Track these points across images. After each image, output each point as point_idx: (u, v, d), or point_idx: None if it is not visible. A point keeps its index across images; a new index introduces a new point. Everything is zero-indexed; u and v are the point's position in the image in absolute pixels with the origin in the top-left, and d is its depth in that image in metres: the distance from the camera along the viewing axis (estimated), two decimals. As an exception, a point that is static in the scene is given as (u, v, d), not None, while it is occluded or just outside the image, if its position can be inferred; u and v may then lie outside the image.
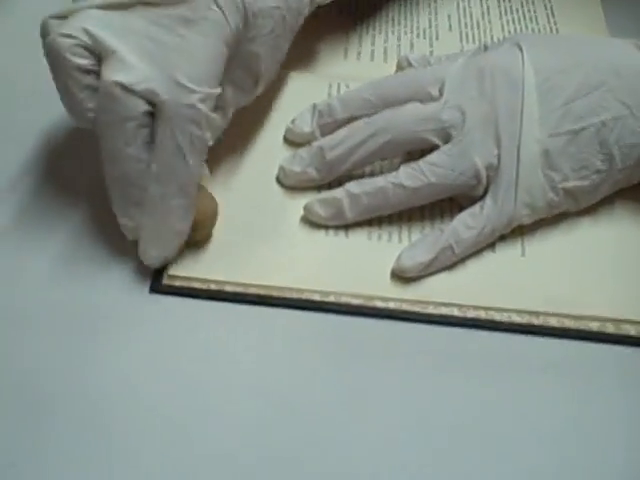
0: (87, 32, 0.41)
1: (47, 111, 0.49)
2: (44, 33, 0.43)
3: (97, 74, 0.41)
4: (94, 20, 0.41)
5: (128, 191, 0.43)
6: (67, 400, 0.40)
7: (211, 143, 0.43)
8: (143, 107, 0.41)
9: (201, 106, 0.41)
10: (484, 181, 0.47)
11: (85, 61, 0.41)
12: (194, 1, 0.42)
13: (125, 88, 0.40)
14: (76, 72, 0.41)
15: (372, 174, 0.49)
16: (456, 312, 0.45)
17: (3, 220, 0.47)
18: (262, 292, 0.44)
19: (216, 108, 0.43)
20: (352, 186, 0.47)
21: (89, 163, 0.46)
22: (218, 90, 0.43)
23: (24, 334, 0.43)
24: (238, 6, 0.43)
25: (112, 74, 0.41)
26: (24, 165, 0.50)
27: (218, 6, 0.42)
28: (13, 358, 0.42)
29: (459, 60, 0.50)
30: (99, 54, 0.41)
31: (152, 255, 0.44)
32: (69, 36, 0.41)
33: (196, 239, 0.45)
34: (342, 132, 0.48)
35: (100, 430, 0.39)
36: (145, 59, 0.41)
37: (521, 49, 0.49)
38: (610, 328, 0.45)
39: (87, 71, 0.42)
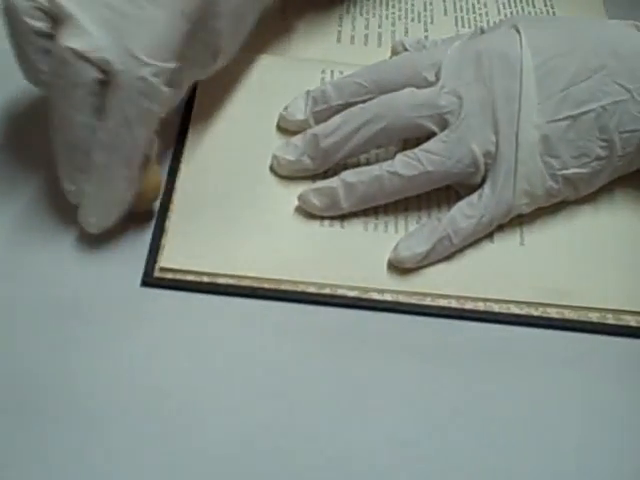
0: None
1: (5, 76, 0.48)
2: None
3: (53, 37, 0.41)
4: None
5: (73, 157, 0.43)
6: (56, 397, 0.40)
7: (162, 116, 0.44)
8: (95, 75, 0.41)
9: (153, 79, 0.41)
10: (482, 169, 0.46)
11: (42, 24, 0.42)
12: None
13: (78, 54, 0.40)
14: (32, 35, 0.42)
15: (368, 163, 0.49)
16: (454, 304, 0.45)
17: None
18: (255, 284, 0.44)
19: (172, 82, 0.43)
20: (347, 175, 0.46)
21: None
22: (173, 64, 0.43)
23: (7, 328, 0.42)
24: None
25: (67, 39, 0.41)
26: None
27: None
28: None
29: (455, 44, 0.49)
30: (56, 18, 0.41)
31: (91, 222, 0.44)
32: None
33: (137, 211, 0.45)
34: (337, 119, 0.48)
35: (90, 428, 0.39)
36: (102, 27, 0.41)
37: (519, 31, 0.48)
38: (610, 319, 0.45)
39: (43, 34, 0.42)
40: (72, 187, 0.44)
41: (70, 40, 0.40)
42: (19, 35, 0.42)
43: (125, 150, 0.42)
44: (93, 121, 0.42)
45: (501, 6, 0.64)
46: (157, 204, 0.47)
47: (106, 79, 0.41)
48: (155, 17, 0.42)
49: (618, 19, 0.57)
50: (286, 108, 0.51)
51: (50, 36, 0.42)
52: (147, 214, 0.46)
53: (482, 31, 0.52)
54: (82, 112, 0.42)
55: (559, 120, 0.46)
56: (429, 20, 0.62)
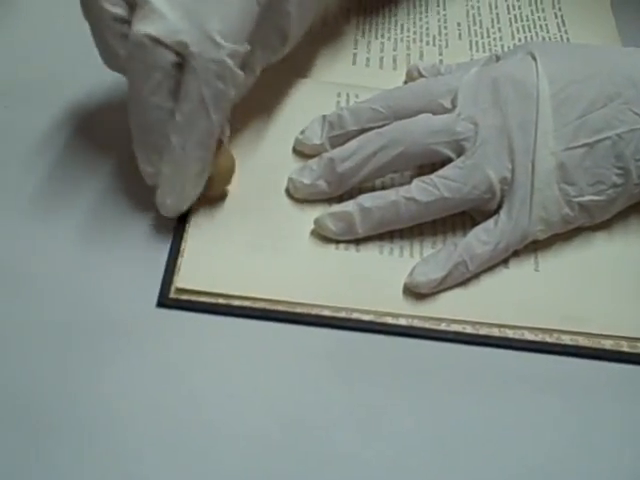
0: None
1: (80, 63, 0.51)
2: None
3: (130, 23, 0.42)
4: None
5: (150, 139, 0.44)
6: (69, 417, 0.39)
7: (236, 100, 0.45)
8: (171, 58, 0.42)
9: (229, 62, 0.42)
10: (498, 195, 0.46)
11: (119, 10, 0.43)
12: None
13: (154, 40, 0.41)
14: (110, 21, 0.43)
15: (383, 187, 0.49)
16: (469, 329, 0.44)
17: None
18: (270, 307, 0.44)
19: (244, 65, 0.44)
20: (364, 200, 0.46)
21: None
22: (247, 47, 0.43)
23: (22, 346, 0.42)
24: None
25: (143, 25, 0.41)
26: (56, 122, 0.52)
27: None
28: (11, 371, 0.41)
29: (471, 70, 0.49)
30: (132, 2, 0.42)
31: (167, 204, 0.45)
32: None
33: (211, 194, 0.47)
34: (353, 144, 0.48)
35: (104, 446, 0.39)
36: (177, 10, 0.42)
37: (535, 58, 0.49)
38: (625, 347, 0.45)
39: (121, 19, 0.43)
40: (149, 169, 0.45)
41: (146, 25, 0.41)
42: (97, 21, 0.43)
43: (200, 132, 0.43)
44: (170, 103, 0.43)
45: (515, 31, 0.64)
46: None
47: (182, 62, 0.42)
48: (230, 0, 0.43)
49: (632, 44, 0.58)
50: (303, 132, 0.51)
51: (127, 21, 0.43)
52: (220, 196, 0.48)
53: (497, 58, 0.52)
54: (159, 95, 0.43)
55: (575, 147, 0.46)
56: (444, 44, 0.62)
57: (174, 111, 0.43)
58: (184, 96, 0.42)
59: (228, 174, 0.47)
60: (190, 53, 0.41)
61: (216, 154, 0.45)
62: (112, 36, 0.43)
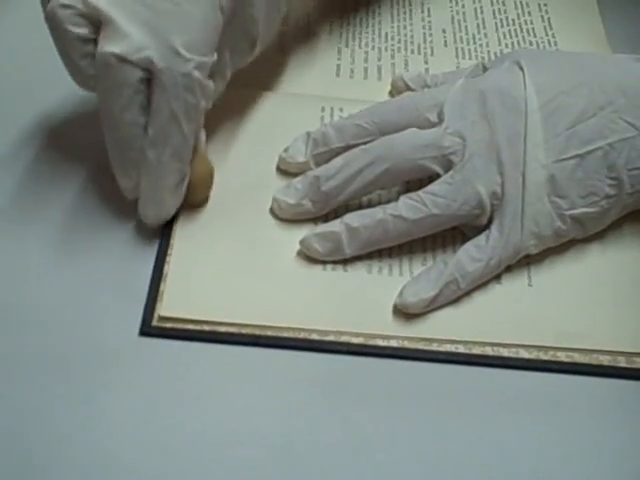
0: (85, 1, 0.43)
1: (51, 76, 0.50)
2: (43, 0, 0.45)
3: (96, 42, 0.44)
4: None
5: (126, 154, 0.45)
6: (55, 455, 0.39)
7: (208, 107, 0.46)
8: (139, 74, 0.43)
9: (196, 74, 0.43)
10: (488, 210, 0.46)
11: (84, 30, 0.43)
12: None
13: (120, 58, 0.42)
14: (76, 42, 0.44)
15: (370, 203, 0.49)
16: (461, 349, 0.44)
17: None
18: (257, 332, 0.43)
19: (213, 72, 0.46)
20: (350, 219, 0.46)
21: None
22: (213, 57, 0.45)
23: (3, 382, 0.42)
24: None
25: (108, 45, 0.42)
26: (25, 135, 0.53)
27: None
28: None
29: (457, 83, 0.49)
30: (97, 22, 0.43)
31: (150, 214, 0.46)
32: (67, 6, 0.43)
33: (192, 202, 0.48)
34: (338, 161, 0.47)
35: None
36: (141, 27, 0.43)
37: (522, 68, 0.49)
38: (622, 362, 0.44)
39: (87, 40, 0.44)
40: (128, 183, 0.46)
41: (111, 45, 0.42)
42: (63, 43, 0.44)
43: (174, 145, 0.44)
44: (142, 119, 0.44)
45: (501, 36, 0.64)
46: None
47: (150, 77, 0.43)
48: (191, 12, 0.43)
49: (620, 46, 0.59)
50: (286, 150, 0.51)
51: (93, 41, 0.44)
52: (202, 202, 0.48)
53: (484, 67, 0.52)
54: (130, 111, 0.44)
55: (566, 159, 0.46)
56: (429, 52, 0.62)
57: (147, 126, 0.44)
58: (155, 111, 0.44)
59: (207, 180, 0.48)
60: (157, 68, 0.42)
61: (193, 162, 0.46)
62: (79, 56, 0.44)
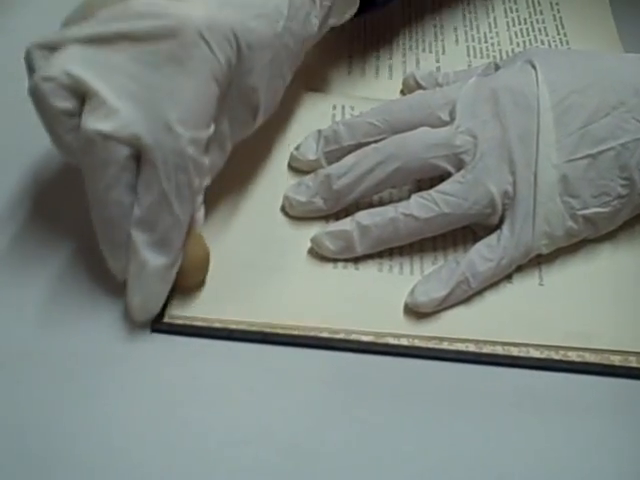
0: (69, 74, 0.40)
1: (36, 140, 0.48)
2: (28, 65, 0.43)
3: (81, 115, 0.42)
4: (77, 59, 0.41)
5: (113, 233, 0.42)
6: (66, 452, 0.39)
7: (206, 184, 0.43)
8: (126, 151, 0.40)
9: (190, 151, 0.41)
10: (499, 209, 0.47)
11: (68, 104, 0.41)
12: (180, 35, 0.41)
13: (106, 136, 0.40)
14: (61, 116, 0.41)
15: (381, 202, 0.49)
16: (472, 348, 0.45)
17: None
18: (268, 330, 0.44)
19: (210, 145, 0.43)
20: (362, 217, 0.47)
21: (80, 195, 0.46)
22: (209, 131, 0.42)
23: (14, 380, 0.42)
24: (229, 39, 0.42)
25: (92, 120, 0.40)
26: (13, 197, 0.50)
27: (206, 41, 0.41)
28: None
29: (470, 81, 0.50)
30: (82, 94, 0.41)
31: (135, 304, 0.43)
32: (51, 79, 0.41)
33: (184, 286, 0.45)
34: (349, 159, 0.48)
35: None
36: (128, 101, 0.40)
37: (534, 67, 0.49)
38: (633, 362, 0.45)
39: (71, 114, 0.41)
40: (116, 264, 0.43)
41: (96, 120, 0.40)
42: (47, 116, 0.42)
43: (163, 228, 0.42)
44: (129, 198, 0.41)
45: (513, 35, 0.65)
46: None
47: (139, 154, 0.41)
48: (182, 84, 0.41)
49: (632, 45, 0.60)
50: (297, 147, 0.51)
51: (79, 114, 0.41)
52: (195, 287, 0.45)
53: (497, 66, 0.53)
54: (116, 190, 0.41)
55: (578, 159, 0.47)
56: (440, 50, 0.63)
57: (134, 206, 0.42)
58: (143, 190, 0.41)
59: (201, 265, 0.45)
60: (145, 145, 0.40)
61: (187, 244, 0.43)
62: (64, 130, 0.42)
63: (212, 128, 0.42)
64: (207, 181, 0.44)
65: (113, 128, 0.40)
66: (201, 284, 0.45)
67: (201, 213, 0.44)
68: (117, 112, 0.40)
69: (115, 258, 0.43)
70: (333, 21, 0.52)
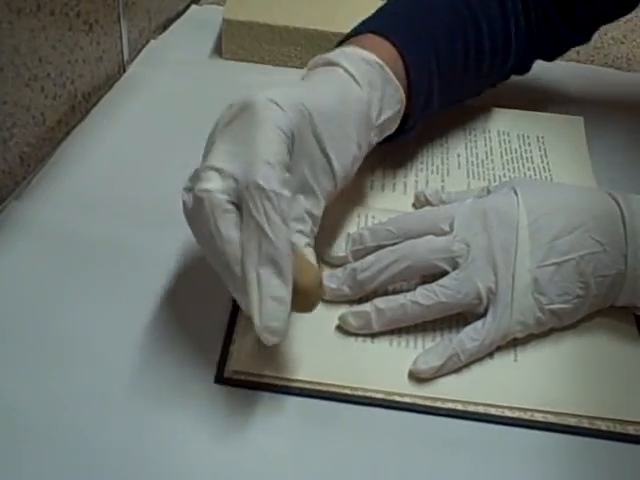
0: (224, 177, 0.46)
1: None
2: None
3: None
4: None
5: (230, 271, 0.45)
6: None
7: (315, 230, 0.49)
8: (225, 197, 0.45)
9: (265, 184, 0.44)
10: (485, 301, 0.52)
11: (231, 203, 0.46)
12: (253, 104, 0.47)
13: (207, 190, 0.45)
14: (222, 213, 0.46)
15: (394, 291, 0.55)
16: (460, 407, 0.50)
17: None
18: (302, 385, 0.50)
19: (301, 190, 0.49)
20: (378, 302, 0.52)
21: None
22: (283, 170, 0.46)
23: (86, 410, 0.47)
24: (297, 103, 0.49)
25: (201, 184, 0.46)
26: None
27: (275, 103, 0.47)
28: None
29: (466, 201, 0.56)
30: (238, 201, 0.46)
31: (262, 326, 0.44)
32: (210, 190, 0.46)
33: (301, 309, 0.47)
34: (371, 258, 0.54)
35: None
36: (229, 167, 0.46)
37: (517, 193, 0.55)
38: (585, 423, 0.50)
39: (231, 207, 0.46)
40: (242, 299, 0.46)
41: (203, 183, 0.46)
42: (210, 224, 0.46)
43: (267, 253, 0.44)
44: (236, 234, 0.45)
45: (505, 161, 0.71)
46: None
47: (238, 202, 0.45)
48: (255, 135, 0.46)
49: (603, 170, 0.67)
50: (330, 247, 0.57)
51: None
52: (310, 307, 0.47)
53: (488, 191, 0.59)
54: (225, 228, 0.45)
55: (547, 265, 0.52)
56: (445, 172, 0.69)
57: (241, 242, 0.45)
58: (244, 226, 0.45)
59: (313, 291, 0.46)
60: (237, 188, 0.45)
61: (298, 270, 0.45)
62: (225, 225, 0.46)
63: (287, 168, 0.46)
64: (313, 232, 0.49)
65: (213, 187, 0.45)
66: (313, 306, 0.47)
67: (310, 246, 0.48)
68: (221, 178, 0.46)
69: (241, 294, 0.46)
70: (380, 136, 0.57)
